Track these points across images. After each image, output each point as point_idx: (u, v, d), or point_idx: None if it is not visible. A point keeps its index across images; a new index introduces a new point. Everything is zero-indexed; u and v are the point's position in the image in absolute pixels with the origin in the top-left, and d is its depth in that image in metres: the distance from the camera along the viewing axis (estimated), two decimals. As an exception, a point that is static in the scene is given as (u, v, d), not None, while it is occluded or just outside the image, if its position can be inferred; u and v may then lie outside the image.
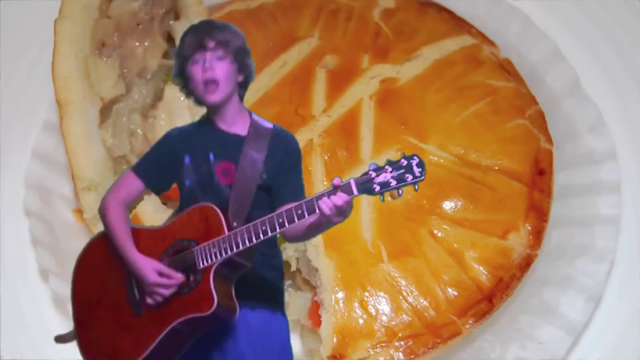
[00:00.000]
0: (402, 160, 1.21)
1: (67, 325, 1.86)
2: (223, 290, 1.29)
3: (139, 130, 1.94)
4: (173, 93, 1.96)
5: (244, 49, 1.35)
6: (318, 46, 1.99)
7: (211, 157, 1.35)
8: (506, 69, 2.00)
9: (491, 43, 2.04)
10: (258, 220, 1.27)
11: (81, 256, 1.42)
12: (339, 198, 1.23)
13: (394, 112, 1.89)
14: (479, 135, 1.88)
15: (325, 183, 1.82)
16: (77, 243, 1.92)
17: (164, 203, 1.90)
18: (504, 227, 1.80)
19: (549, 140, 1.92)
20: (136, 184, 1.38)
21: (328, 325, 1.71)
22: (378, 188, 1.22)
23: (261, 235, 1.27)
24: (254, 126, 1.36)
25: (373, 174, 1.22)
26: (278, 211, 1.27)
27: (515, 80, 1.98)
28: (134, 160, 1.94)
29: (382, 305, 1.73)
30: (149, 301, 1.32)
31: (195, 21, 1.93)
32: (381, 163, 1.23)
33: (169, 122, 1.94)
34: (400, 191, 1.22)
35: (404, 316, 1.72)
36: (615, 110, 2.04)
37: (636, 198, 1.96)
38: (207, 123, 1.38)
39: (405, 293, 1.74)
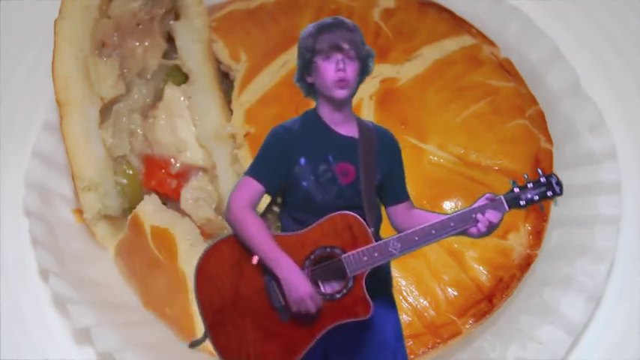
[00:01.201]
0: (542, 178, 1.36)
1: (67, 325, 1.87)
2: None
3: (139, 130, 1.94)
4: (173, 93, 1.96)
5: (370, 53, 1.41)
6: (318, 46, 1.99)
7: (330, 158, 1.37)
8: (506, 69, 2.00)
9: (492, 43, 2.04)
10: (409, 231, 1.34)
11: (204, 255, 1.39)
12: (494, 215, 1.34)
13: (394, 112, 1.89)
14: (479, 135, 1.88)
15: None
16: (77, 243, 1.94)
17: (164, 203, 1.90)
18: (504, 227, 1.79)
19: (549, 140, 1.92)
20: (257, 188, 1.38)
21: (328, 325, 1.71)
22: (523, 203, 1.35)
23: (414, 245, 1.34)
24: (363, 127, 1.40)
25: (517, 190, 1.35)
26: (433, 221, 1.34)
27: (515, 80, 1.98)
28: (134, 160, 1.93)
29: (382, 305, 1.73)
30: (303, 313, 1.33)
31: (196, 21, 1.96)
32: (519, 181, 1.35)
33: (169, 122, 1.95)
34: (542, 205, 1.36)
35: (404, 316, 1.72)
36: (615, 110, 2.04)
37: (636, 198, 1.96)
38: (316, 122, 1.40)
39: (405, 293, 1.74)
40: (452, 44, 2.01)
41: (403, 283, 1.74)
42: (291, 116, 1.88)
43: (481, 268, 1.76)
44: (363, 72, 1.41)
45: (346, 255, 1.33)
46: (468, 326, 1.73)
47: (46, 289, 1.91)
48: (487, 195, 1.35)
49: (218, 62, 2.01)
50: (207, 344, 1.40)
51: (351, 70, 1.37)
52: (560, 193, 1.34)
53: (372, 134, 1.40)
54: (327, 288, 1.34)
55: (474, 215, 1.34)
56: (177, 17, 1.99)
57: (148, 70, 1.96)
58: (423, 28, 2.03)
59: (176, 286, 1.78)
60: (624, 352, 1.82)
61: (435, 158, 1.85)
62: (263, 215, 1.44)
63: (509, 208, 1.35)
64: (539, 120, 1.94)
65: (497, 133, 1.89)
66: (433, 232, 1.34)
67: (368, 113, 1.89)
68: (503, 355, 1.79)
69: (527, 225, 1.81)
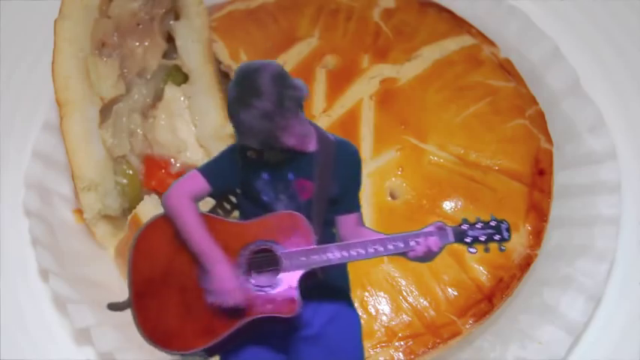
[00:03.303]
0: (492, 222, 1.38)
1: (67, 325, 1.87)
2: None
3: (139, 130, 1.94)
4: (173, 93, 1.97)
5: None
6: (318, 46, 2.00)
7: (291, 175, 1.37)
8: (506, 69, 2.00)
9: (492, 43, 2.04)
10: (353, 241, 1.35)
11: (145, 227, 1.41)
12: (435, 243, 1.34)
13: (394, 112, 1.89)
14: (479, 135, 1.88)
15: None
16: (77, 243, 1.94)
17: (164, 203, 1.90)
18: (504, 227, 1.80)
19: (549, 140, 1.92)
20: (203, 186, 1.38)
21: (328, 325, 1.71)
22: (469, 240, 1.37)
23: (355, 256, 1.34)
24: (321, 140, 1.38)
25: (466, 227, 1.37)
26: (373, 238, 1.35)
27: (515, 80, 1.98)
28: (134, 160, 1.94)
29: (382, 305, 1.73)
30: (226, 305, 1.34)
31: (196, 21, 1.96)
32: (470, 217, 1.38)
33: (169, 122, 1.95)
34: (488, 248, 1.38)
35: (404, 316, 1.72)
36: (615, 110, 2.04)
37: (636, 198, 1.96)
38: None
39: (405, 293, 1.74)
40: (452, 44, 2.01)
41: (403, 283, 1.74)
42: (291, 116, 1.89)
43: (481, 268, 1.76)
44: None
45: (285, 251, 1.34)
46: (468, 326, 1.73)
47: (46, 289, 1.91)
48: (437, 223, 1.36)
49: (218, 62, 2.00)
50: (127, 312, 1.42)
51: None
52: (508, 239, 1.37)
53: (330, 147, 1.38)
54: (259, 280, 1.35)
55: (417, 239, 1.35)
56: (177, 17, 1.99)
57: (148, 70, 1.95)
58: (423, 28, 2.03)
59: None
60: (624, 352, 1.82)
61: (435, 158, 1.85)
62: (213, 210, 1.46)
63: (454, 240, 1.36)
64: (539, 120, 1.94)
65: (497, 133, 1.89)
66: (374, 247, 1.35)
67: (368, 113, 1.89)
68: (503, 355, 1.79)
69: (527, 225, 1.81)
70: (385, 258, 1.75)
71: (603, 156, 1.94)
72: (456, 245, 1.74)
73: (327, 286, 1.40)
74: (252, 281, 1.35)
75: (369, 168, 1.82)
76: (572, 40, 2.11)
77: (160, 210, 1.87)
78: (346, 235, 1.40)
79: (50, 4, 1.89)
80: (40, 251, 1.88)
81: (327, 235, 1.39)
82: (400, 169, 1.83)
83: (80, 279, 1.87)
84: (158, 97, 1.97)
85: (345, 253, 1.34)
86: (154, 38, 1.96)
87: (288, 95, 1.29)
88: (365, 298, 1.73)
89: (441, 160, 1.85)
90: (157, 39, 1.96)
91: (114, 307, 1.47)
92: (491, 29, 2.07)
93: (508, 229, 1.38)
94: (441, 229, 1.36)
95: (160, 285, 1.39)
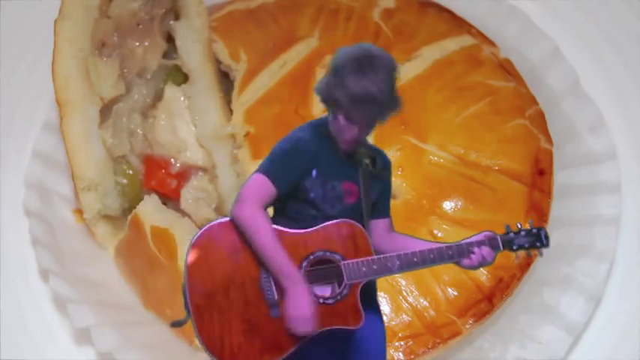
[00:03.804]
0: (533, 230, 1.43)
1: (67, 325, 1.87)
2: None
3: (139, 130, 1.94)
4: (173, 93, 1.97)
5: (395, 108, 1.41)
6: (318, 46, 1.99)
7: (338, 175, 1.36)
8: (506, 69, 2.00)
9: (492, 43, 2.04)
10: (411, 251, 1.36)
11: (202, 236, 1.35)
12: (488, 253, 1.38)
13: (394, 112, 1.89)
14: (479, 135, 1.88)
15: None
16: (77, 243, 1.94)
17: (164, 203, 1.90)
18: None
19: (549, 140, 1.92)
20: (271, 190, 1.34)
21: (328, 325, 1.71)
22: (515, 247, 1.41)
23: (412, 267, 1.36)
24: (364, 147, 1.40)
25: (513, 235, 1.42)
26: (431, 247, 1.37)
27: (515, 80, 1.98)
28: (134, 160, 1.94)
29: (382, 305, 1.71)
30: (300, 333, 1.31)
31: (196, 21, 1.96)
32: (512, 228, 1.42)
33: (169, 122, 1.95)
34: (530, 253, 1.42)
35: (404, 316, 1.72)
36: (615, 110, 2.04)
37: (636, 198, 1.96)
38: (328, 138, 1.37)
39: (405, 293, 1.74)
40: (452, 44, 2.01)
41: (403, 283, 1.74)
42: (290, 116, 1.90)
43: (481, 268, 1.76)
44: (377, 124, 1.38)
45: (346, 262, 1.34)
46: (468, 326, 1.73)
47: (46, 289, 1.91)
48: (487, 233, 1.40)
49: (218, 62, 2.01)
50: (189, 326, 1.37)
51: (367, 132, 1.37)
52: (547, 246, 1.42)
53: (370, 154, 1.40)
54: (322, 291, 1.34)
55: (470, 248, 1.38)
56: (177, 17, 1.99)
57: (148, 70, 1.96)
58: (423, 28, 2.03)
59: (176, 286, 1.77)
60: (624, 352, 1.82)
61: (435, 158, 1.85)
62: None
63: (503, 248, 1.40)
64: (539, 120, 1.94)
65: (497, 133, 1.89)
66: (432, 256, 1.37)
67: (368, 113, 1.89)
68: (503, 355, 1.79)
69: (527, 225, 1.81)
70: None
71: (603, 156, 1.94)
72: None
73: (368, 292, 1.39)
74: (317, 293, 1.33)
75: (369, 168, 1.82)
76: (572, 40, 2.11)
77: (160, 210, 1.89)
78: (377, 239, 1.40)
79: (50, 4, 1.89)
80: (40, 251, 1.89)
81: None
82: (400, 169, 1.83)
83: (80, 279, 1.87)
84: (158, 97, 1.97)
85: (405, 263, 1.36)
86: (154, 38, 1.96)
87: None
88: (365, 298, 1.73)
89: (441, 160, 1.85)
90: (157, 39, 1.96)
91: (176, 324, 1.41)
92: (491, 29, 2.07)
93: (547, 236, 1.42)
94: (492, 240, 1.39)
95: (221, 298, 1.33)
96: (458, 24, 2.06)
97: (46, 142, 2.01)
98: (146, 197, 1.88)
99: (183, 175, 1.94)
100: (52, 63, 1.85)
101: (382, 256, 1.35)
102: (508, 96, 1.94)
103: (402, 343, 1.71)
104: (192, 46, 1.95)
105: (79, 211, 1.94)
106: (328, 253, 1.34)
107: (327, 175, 1.36)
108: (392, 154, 1.83)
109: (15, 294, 1.92)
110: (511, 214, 1.81)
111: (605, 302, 1.86)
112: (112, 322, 1.80)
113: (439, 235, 1.78)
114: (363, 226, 1.36)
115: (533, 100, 1.97)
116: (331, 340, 1.36)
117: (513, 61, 2.01)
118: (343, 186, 1.36)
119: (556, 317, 1.80)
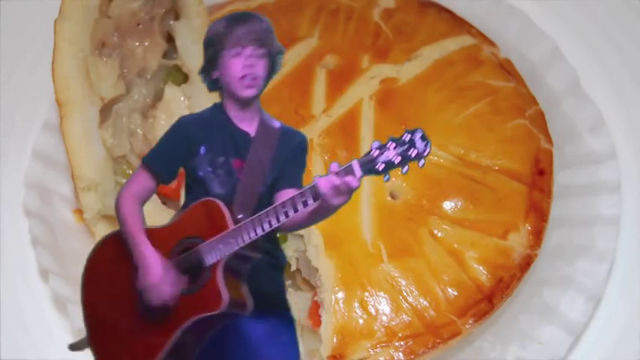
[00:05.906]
0: (405, 135, 1.18)
1: (67, 325, 1.87)
2: (234, 286, 1.25)
3: (139, 130, 1.94)
4: (173, 93, 1.96)
5: (281, 50, 1.38)
6: (318, 46, 1.99)
7: (229, 151, 1.33)
8: (506, 69, 2.00)
9: (492, 43, 2.04)
10: (261, 212, 1.24)
11: (90, 258, 1.38)
12: (352, 180, 1.18)
13: (394, 112, 1.89)
14: (479, 135, 1.88)
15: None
16: (77, 243, 1.94)
17: (164, 203, 1.90)
18: (504, 227, 1.80)
19: (549, 140, 1.92)
20: (148, 183, 1.35)
21: (328, 325, 1.71)
22: (382, 167, 1.18)
23: (267, 226, 1.23)
24: (263, 125, 1.36)
25: (376, 152, 1.18)
26: (281, 201, 1.23)
27: (515, 80, 1.98)
28: (134, 160, 1.94)
29: (382, 305, 1.73)
30: (156, 303, 1.28)
31: (196, 21, 1.96)
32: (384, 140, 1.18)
33: (169, 122, 1.93)
34: (406, 168, 1.18)
35: (404, 316, 1.72)
36: (615, 110, 2.04)
37: (636, 198, 1.96)
38: (221, 114, 1.36)
39: (405, 293, 1.74)
40: (452, 44, 2.01)
41: (403, 283, 1.74)
42: (290, 116, 1.90)
43: (481, 268, 1.76)
44: (272, 70, 1.36)
45: (204, 244, 1.26)
46: (468, 326, 1.73)
47: (46, 289, 1.91)
48: (332, 165, 1.19)
49: (218, 62, 2.00)
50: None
51: (260, 67, 1.33)
52: (426, 151, 1.17)
53: (272, 133, 1.35)
54: (189, 281, 1.27)
55: (322, 187, 1.19)
56: (177, 17, 1.99)
57: (148, 70, 1.95)
58: (423, 28, 2.03)
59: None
60: (624, 352, 1.82)
61: (435, 158, 1.85)
62: None
63: (363, 173, 1.17)
64: (539, 120, 1.94)
65: (497, 133, 1.89)
66: (285, 209, 1.21)
67: (368, 113, 1.89)
68: (503, 355, 1.79)
69: (527, 225, 1.81)
70: (385, 258, 1.75)
71: (603, 156, 1.94)
72: (456, 245, 1.76)
73: (267, 282, 1.33)
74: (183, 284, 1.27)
75: (369, 168, 1.82)
76: (572, 40, 2.11)
77: (160, 210, 1.88)
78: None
79: (50, 4, 1.89)
80: (40, 251, 1.89)
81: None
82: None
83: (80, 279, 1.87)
84: (158, 97, 1.97)
85: (259, 227, 1.23)
86: (154, 38, 1.96)
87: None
88: (365, 298, 1.73)
89: (441, 160, 1.85)
90: (157, 39, 1.96)
91: (74, 347, 1.41)
92: (491, 29, 2.07)
93: (423, 137, 1.18)
94: (345, 167, 1.18)
95: (107, 312, 1.32)
96: (458, 24, 2.06)
97: (46, 142, 2.01)
98: (146, 197, 1.87)
99: (183, 175, 1.93)
100: (52, 63, 1.85)
101: (236, 226, 1.24)
102: (508, 96, 1.94)
103: (402, 343, 1.71)
104: (192, 46, 1.95)
105: (79, 211, 1.94)
106: (191, 240, 1.27)
107: (217, 151, 1.32)
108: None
109: (15, 294, 1.92)
110: (511, 214, 1.81)
111: (605, 302, 1.86)
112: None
113: (439, 235, 1.78)
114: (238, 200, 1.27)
115: (533, 100, 1.97)
116: (226, 355, 1.30)
117: (513, 61, 2.01)
118: (234, 162, 1.32)
119: (556, 317, 1.80)
